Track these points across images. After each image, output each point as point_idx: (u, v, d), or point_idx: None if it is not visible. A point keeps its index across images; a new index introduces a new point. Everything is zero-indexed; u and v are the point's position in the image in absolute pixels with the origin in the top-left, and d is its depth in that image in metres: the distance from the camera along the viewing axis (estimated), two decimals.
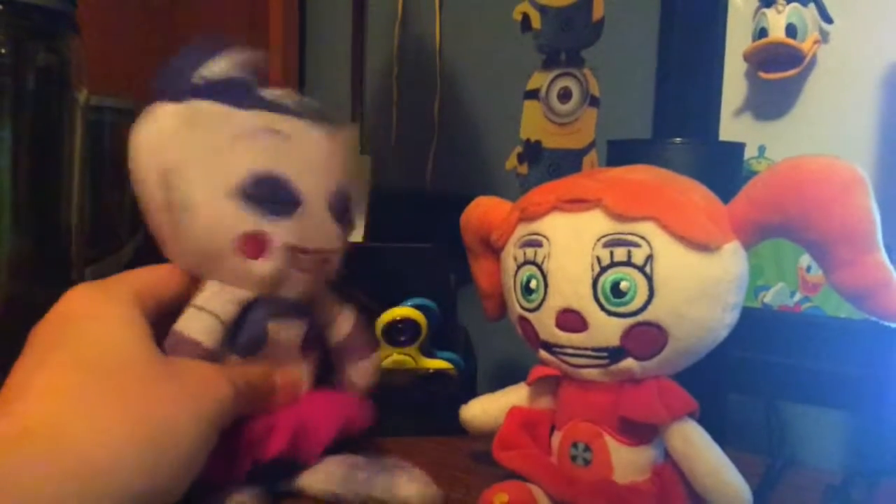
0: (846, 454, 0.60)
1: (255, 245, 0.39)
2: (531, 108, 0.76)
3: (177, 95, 0.40)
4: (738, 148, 0.53)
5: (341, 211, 0.43)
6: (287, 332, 0.42)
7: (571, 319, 0.38)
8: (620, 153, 0.53)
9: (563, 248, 0.38)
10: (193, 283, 0.40)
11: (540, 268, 0.39)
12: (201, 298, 0.39)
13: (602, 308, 0.37)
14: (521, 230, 0.41)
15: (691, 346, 0.37)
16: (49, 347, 0.32)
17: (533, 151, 0.76)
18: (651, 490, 0.38)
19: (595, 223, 0.37)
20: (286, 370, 0.43)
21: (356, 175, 0.69)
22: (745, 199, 0.37)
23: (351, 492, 0.41)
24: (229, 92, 0.40)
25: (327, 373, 0.47)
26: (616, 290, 0.36)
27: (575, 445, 0.40)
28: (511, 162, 0.78)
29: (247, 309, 0.40)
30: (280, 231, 0.39)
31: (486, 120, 0.81)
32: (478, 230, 0.47)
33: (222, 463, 0.37)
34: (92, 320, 0.33)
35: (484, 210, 0.47)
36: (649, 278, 0.36)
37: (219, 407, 0.34)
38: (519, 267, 0.41)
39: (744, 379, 0.55)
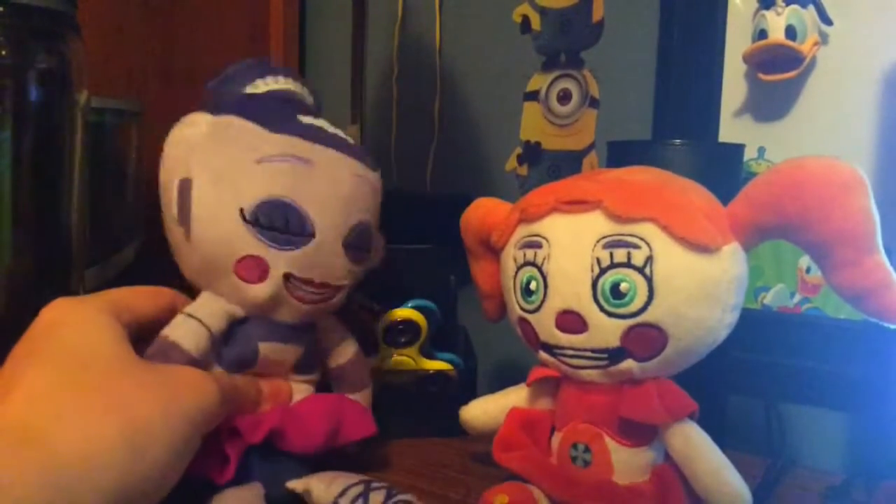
0: (846, 455, 0.60)
1: (253, 269, 0.39)
2: (531, 110, 0.76)
3: (216, 107, 0.40)
4: (738, 149, 0.53)
5: (359, 247, 0.42)
6: (281, 354, 0.42)
7: (571, 320, 0.38)
8: (620, 154, 0.53)
9: (562, 250, 0.38)
10: (178, 306, 0.40)
11: (540, 269, 0.39)
12: (192, 306, 0.39)
13: (602, 309, 0.37)
14: (521, 231, 0.41)
15: (691, 346, 0.37)
16: (26, 354, 0.32)
17: (533, 153, 0.76)
18: (651, 491, 0.38)
19: (595, 224, 0.37)
20: (274, 380, 0.43)
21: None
22: (744, 200, 0.37)
23: None
24: (269, 114, 0.40)
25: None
26: (616, 292, 0.37)
27: (575, 446, 0.40)
28: (511, 163, 0.78)
29: (238, 325, 0.40)
30: (283, 260, 0.39)
31: (485, 121, 0.81)
32: (477, 232, 0.47)
33: (212, 456, 0.37)
34: (68, 327, 0.33)
35: (484, 212, 0.47)
36: (649, 279, 0.36)
37: (202, 408, 0.34)
38: (519, 268, 0.41)
39: (744, 380, 0.55)
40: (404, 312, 0.54)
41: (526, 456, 0.41)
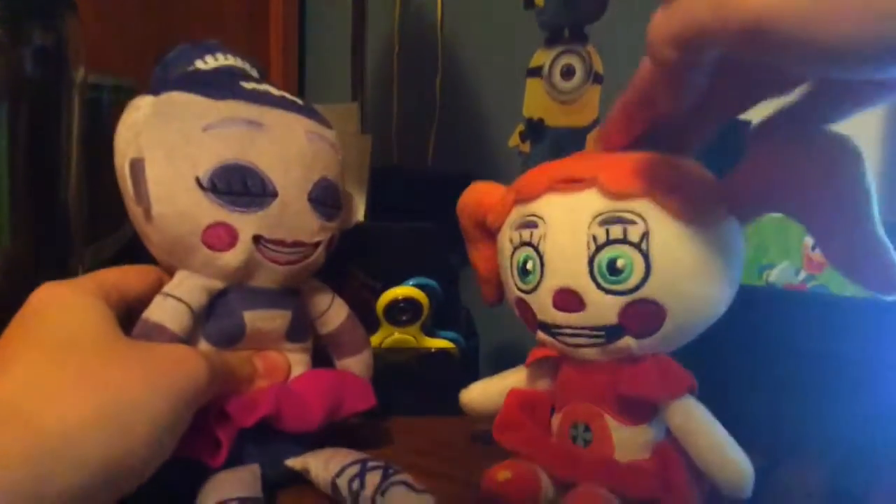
0: (850, 435, 0.59)
1: (221, 236, 0.38)
2: (534, 86, 0.76)
3: (157, 87, 0.40)
4: (744, 125, 0.52)
5: (325, 202, 0.42)
6: (269, 322, 0.42)
7: (568, 299, 0.38)
8: None
9: (558, 228, 0.38)
10: (165, 283, 0.40)
11: (536, 249, 0.39)
12: (169, 286, 0.39)
13: (599, 286, 0.37)
14: (517, 212, 0.41)
15: (689, 322, 0.37)
16: (14, 337, 0.32)
17: (536, 129, 0.75)
18: (652, 468, 0.38)
19: (590, 202, 0.37)
20: (268, 354, 0.43)
21: (357, 155, 0.69)
22: (738, 173, 0.37)
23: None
24: (210, 84, 0.40)
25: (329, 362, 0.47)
26: (612, 268, 0.36)
27: (575, 426, 0.40)
28: (513, 140, 0.77)
29: (219, 298, 0.40)
30: (249, 223, 0.39)
31: (487, 98, 0.80)
32: (473, 215, 0.47)
33: (205, 439, 0.37)
34: (55, 310, 0.33)
35: (479, 195, 0.47)
36: (645, 255, 0.36)
37: (191, 384, 0.34)
38: (515, 249, 0.41)
39: (746, 360, 0.55)
40: (406, 290, 0.54)
41: (526, 436, 0.41)
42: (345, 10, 0.83)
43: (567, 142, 0.73)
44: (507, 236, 0.42)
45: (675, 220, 0.36)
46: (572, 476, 0.39)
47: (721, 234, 0.36)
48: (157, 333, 0.37)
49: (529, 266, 0.39)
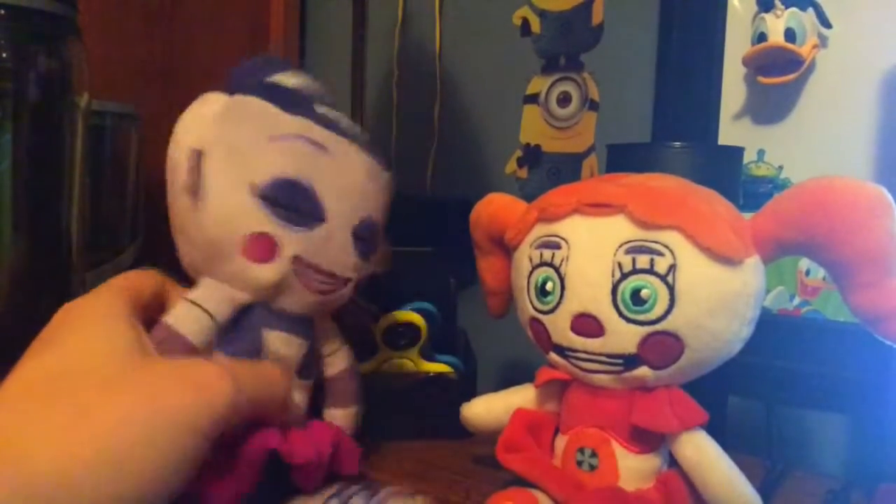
0: (846, 458, 0.60)
1: (262, 247, 0.37)
2: (531, 113, 0.77)
3: (234, 88, 0.39)
4: (738, 152, 0.53)
5: (367, 241, 0.42)
6: (286, 347, 0.40)
7: (588, 324, 0.38)
8: (620, 157, 0.53)
9: (582, 252, 0.38)
10: (167, 287, 0.38)
11: (557, 270, 0.39)
12: (195, 293, 0.38)
13: (620, 314, 0.37)
14: (539, 231, 0.41)
15: (706, 357, 0.37)
16: (24, 361, 0.31)
17: (532, 155, 0.76)
18: (657, 498, 0.38)
19: (618, 229, 0.37)
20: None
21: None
22: (769, 215, 0.37)
23: None
24: (288, 99, 0.39)
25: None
26: (636, 298, 0.36)
27: (581, 450, 0.40)
28: (511, 166, 0.78)
29: (243, 313, 0.39)
30: (293, 240, 0.38)
31: (485, 124, 0.81)
32: (488, 227, 0.47)
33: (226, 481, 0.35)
34: (70, 330, 0.32)
35: (495, 207, 0.47)
36: (671, 288, 0.36)
37: (209, 412, 0.31)
38: (534, 268, 0.40)
39: (744, 382, 0.55)
40: (404, 315, 0.54)
41: (531, 458, 0.41)
42: (344, 38, 0.84)
43: (563, 168, 0.74)
44: (527, 254, 0.41)
45: (704, 255, 0.36)
46: (576, 502, 0.39)
47: (746, 273, 0.36)
48: (177, 344, 0.36)
49: (549, 287, 0.39)
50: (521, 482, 0.41)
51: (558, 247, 0.39)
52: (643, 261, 0.36)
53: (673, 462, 0.39)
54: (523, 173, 0.77)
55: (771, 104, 0.62)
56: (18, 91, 0.43)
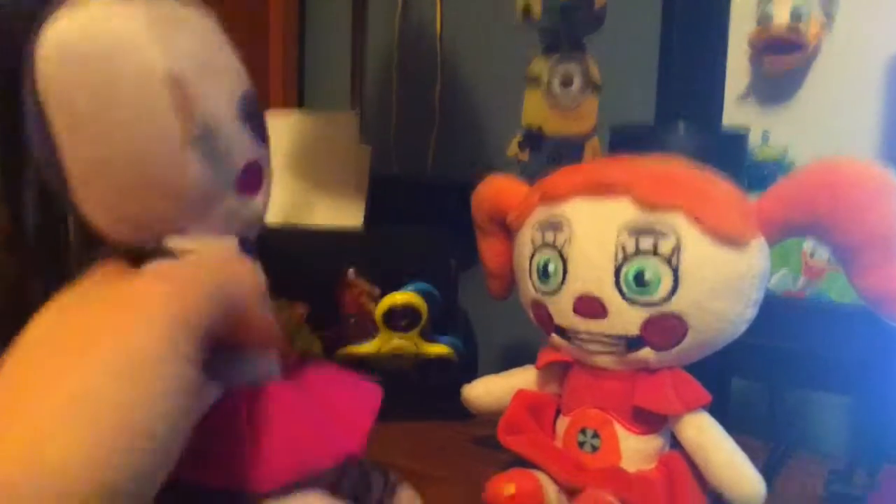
0: (849, 439, 0.59)
1: (253, 177, 0.31)
2: (532, 95, 0.76)
3: None
4: (743, 134, 0.52)
5: (257, 119, 0.31)
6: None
7: (591, 306, 0.38)
8: (623, 138, 0.52)
9: (585, 234, 0.38)
10: None
11: (560, 252, 0.39)
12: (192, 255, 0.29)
13: (624, 296, 0.37)
14: (541, 213, 0.41)
15: (710, 339, 0.37)
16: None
17: (534, 138, 0.75)
18: (659, 478, 0.38)
19: (621, 211, 0.37)
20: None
21: (356, 165, 0.69)
22: (774, 197, 0.37)
23: None
24: None
25: None
26: (640, 280, 0.36)
27: (583, 432, 0.40)
28: (512, 149, 0.77)
29: None
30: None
31: (486, 107, 0.81)
32: (490, 209, 0.46)
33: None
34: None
35: (497, 189, 0.46)
36: (675, 269, 0.36)
37: (162, 334, 0.23)
38: (536, 249, 0.40)
39: (747, 364, 0.55)
40: (405, 296, 0.54)
41: (533, 440, 0.41)
42: (345, 20, 0.84)
43: (565, 150, 0.73)
44: (529, 236, 0.41)
45: (708, 237, 0.35)
46: (578, 483, 0.38)
47: (751, 255, 0.36)
48: None
49: (551, 269, 0.39)
50: (522, 463, 0.41)
51: (561, 228, 0.39)
52: (646, 242, 0.36)
53: (675, 443, 0.39)
54: (524, 156, 0.76)
55: (776, 86, 0.61)
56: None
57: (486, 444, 0.47)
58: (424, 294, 0.54)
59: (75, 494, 0.20)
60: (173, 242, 0.28)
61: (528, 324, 0.43)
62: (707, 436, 0.37)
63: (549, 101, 0.74)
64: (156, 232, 0.28)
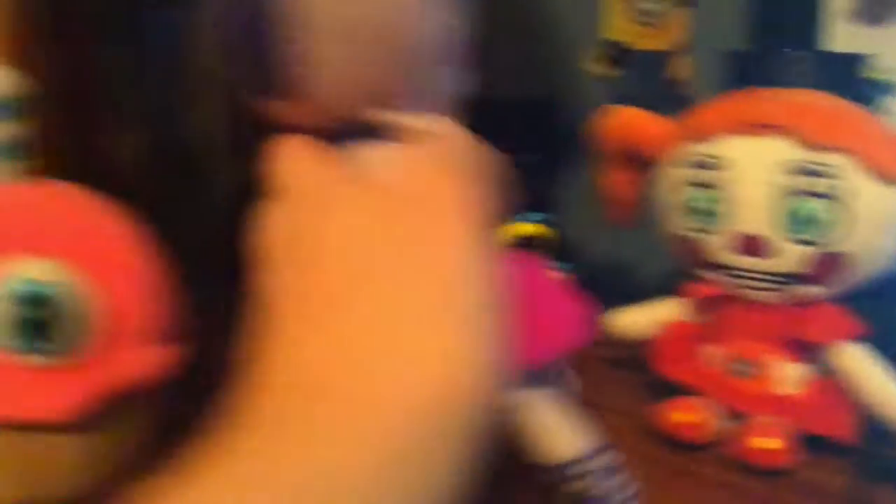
0: None
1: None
2: (613, 6, 0.73)
3: None
4: (858, 58, 0.52)
5: None
6: None
7: (754, 244, 0.39)
8: (738, 64, 0.51)
9: (747, 174, 0.38)
10: None
11: (717, 191, 0.39)
12: None
13: (789, 236, 0.38)
14: (691, 150, 0.41)
15: (869, 273, 0.39)
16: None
17: (621, 53, 0.73)
18: (814, 403, 0.41)
19: (784, 149, 0.38)
20: None
21: None
22: None
23: None
24: None
25: None
26: (805, 219, 0.37)
27: (739, 360, 0.42)
28: (597, 65, 0.74)
29: None
30: None
31: (556, 15, 0.77)
32: (622, 141, 0.46)
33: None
34: None
35: (628, 121, 0.46)
36: (840, 208, 0.36)
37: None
38: (687, 187, 0.41)
39: None
40: (526, 228, 0.54)
41: (694, 368, 0.43)
42: None
43: (652, 67, 0.71)
44: (678, 173, 0.42)
45: (874, 176, 0.36)
46: (743, 408, 0.41)
47: None
48: None
49: (706, 207, 0.40)
50: (667, 390, 0.42)
51: (717, 167, 0.39)
52: (812, 182, 0.37)
53: (828, 371, 0.41)
54: (611, 72, 0.73)
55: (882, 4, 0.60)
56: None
57: (627, 366, 0.48)
58: (543, 223, 0.54)
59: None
60: (390, 118, 0.25)
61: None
62: (860, 364, 0.40)
63: (632, 12, 0.72)
64: (380, 105, 0.25)
